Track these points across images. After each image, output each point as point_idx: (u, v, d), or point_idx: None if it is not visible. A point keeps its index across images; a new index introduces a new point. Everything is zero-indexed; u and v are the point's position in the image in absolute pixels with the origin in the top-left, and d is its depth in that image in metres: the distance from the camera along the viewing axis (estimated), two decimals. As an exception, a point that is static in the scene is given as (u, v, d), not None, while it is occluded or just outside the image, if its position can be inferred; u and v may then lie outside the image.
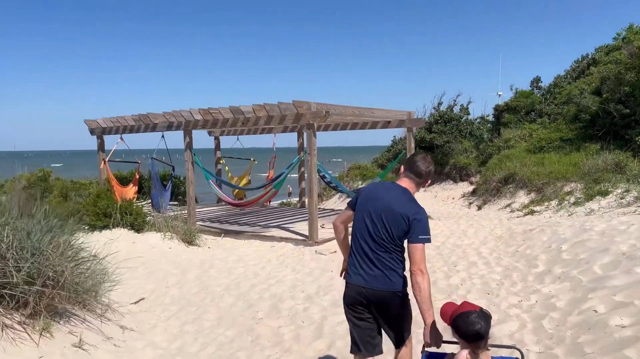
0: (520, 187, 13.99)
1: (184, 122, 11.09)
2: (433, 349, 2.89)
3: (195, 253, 8.95)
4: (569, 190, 12.48)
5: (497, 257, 8.03)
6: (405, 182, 3.07)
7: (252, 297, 6.20)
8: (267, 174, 14.95)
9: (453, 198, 17.17)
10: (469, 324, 2.46)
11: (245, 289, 6.57)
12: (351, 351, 3.19)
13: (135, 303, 5.92)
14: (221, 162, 15.81)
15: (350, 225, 3.23)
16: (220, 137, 16.31)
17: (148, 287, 6.66)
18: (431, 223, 11.80)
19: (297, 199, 16.07)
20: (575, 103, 17.35)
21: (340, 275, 3.44)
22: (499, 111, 22.03)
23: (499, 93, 30.38)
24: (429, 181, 3.16)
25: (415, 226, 2.86)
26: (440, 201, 17.06)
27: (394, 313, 3.05)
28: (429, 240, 2.88)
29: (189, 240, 9.75)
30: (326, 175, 14.44)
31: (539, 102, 20.99)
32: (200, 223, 11.94)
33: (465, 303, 2.61)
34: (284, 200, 24.83)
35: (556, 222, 9.33)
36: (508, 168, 15.16)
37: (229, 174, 15.80)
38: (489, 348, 2.60)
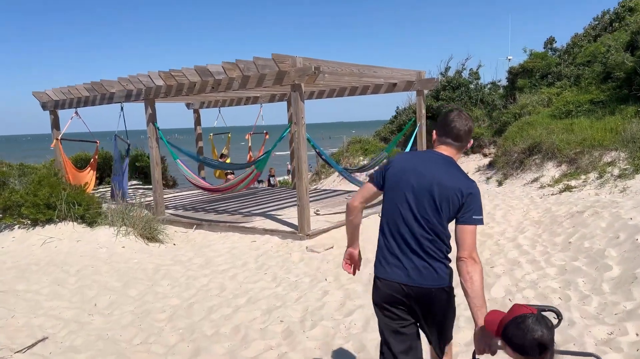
0: (549, 158, 11.97)
1: (144, 89, 9.05)
2: (486, 357, 2.26)
3: (152, 254, 7.02)
4: (610, 160, 10.47)
5: (544, 252, 6.08)
6: (444, 150, 2.55)
7: (204, 332, 4.26)
8: (248, 154, 12.94)
9: (467, 172, 15.14)
10: (526, 331, 1.86)
11: (199, 317, 4.64)
12: None
13: (23, 350, 3.94)
14: (210, 138, 13.77)
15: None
16: (202, 111, 14.27)
17: (65, 315, 4.72)
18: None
19: (292, 178, 14.05)
20: (602, 62, 15.24)
21: (352, 272, 2.84)
22: (513, 74, 19.87)
23: (509, 57, 28.05)
24: (471, 142, 2.63)
25: (469, 203, 2.37)
26: (452, 177, 15.09)
27: (440, 314, 2.52)
28: (482, 222, 2.39)
29: (150, 236, 7.82)
30: (321, 152, 12.47)
31: (556, 63, 18.86)
32: (172, 211, 9.99)
33: (516, 306, 2.00)
34: (286, 177, 22.87)
35: (612, 201, 7.36)
36: (531, 137, 13.11)
37: (215, 153, 13.82)
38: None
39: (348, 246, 2.78)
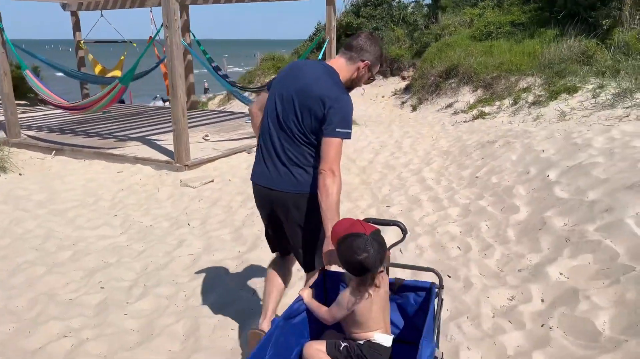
0: (465, 82, 11.31)
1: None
2: (334, 268, 2.23)
3: (-16, 188, 5.61)
4: (526, 85, 9.94)
5: (449, 187, 5.38)
6: (335, 61, 2.43)
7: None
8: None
9: (383, 96, 14.35)
10: (353, 251, 1.89)
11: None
12: (272, 251, 2.71)
13: None
14: (82, 47, 11.79)
15: None
16: (81, 13, 12.14)
17: None
18: (356, 131, 8.92)
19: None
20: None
21: None
22: (436, -9, 18.81)
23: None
24: (377, 67, 2.44)
25: (333, 114, 2.23)
26: (368, 100, 14.20)
27: (298, 220, 2.39)
28: (348, 135, 2.28)
29: (-9, 164, 6.35)
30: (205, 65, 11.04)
31: (481, -18, 18.00)
32: (33, 133, 8.39)
33: (357, 223, 1.98)
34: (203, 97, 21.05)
35: (524, 131, 6.76)
36: (449, 59, 12.36)
37: (98, 66, 11.88)
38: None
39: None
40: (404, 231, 2.20)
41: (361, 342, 2.00)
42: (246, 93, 10.13)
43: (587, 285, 2.93)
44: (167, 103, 19.08)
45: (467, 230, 4.21)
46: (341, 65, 2.38)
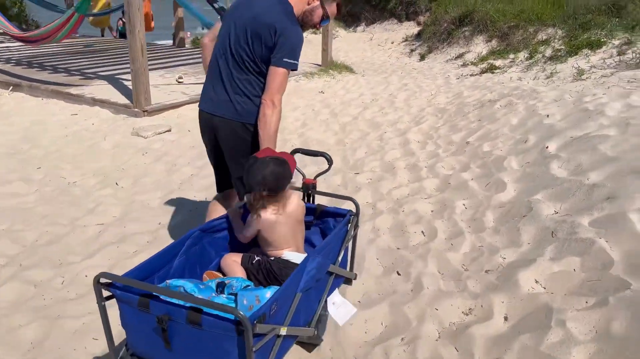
0: (479, 31, 10.26)
1: None
2: None
3: None
4: (545, 38, 8.91)
5: (433, 154, 4.67)
6: None
7: None
8: None
9: (392, 42, 13.30)
10: (252, 170, 2.02)
11: None
12: (218, 190, 2.73)
13: None
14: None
15: None
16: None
17: None
18: (351, 80, 8.11)
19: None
20: None
21: None
22: None
23: None
24: (320, 1, 2.39)
25: (281, 43, 2.22)
26: (375, 46, 13.19)
27: (231, 146, 2.42)
28: (294, 66, 2.27)
29: None
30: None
31: None
32: (-2, 66, 7.74)
33: (279, 152, 2.12)
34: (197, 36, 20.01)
35: (532, 90, 5.91)
36: (465, 3, 11.25)
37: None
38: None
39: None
40: (329, 161, 2.38)
41: (272, 258, 2.11)
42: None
43: (565, 302, 2.27)
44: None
45: (439, 210, 3.53)
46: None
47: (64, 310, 2.40)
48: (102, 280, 1.58)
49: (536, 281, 2.51)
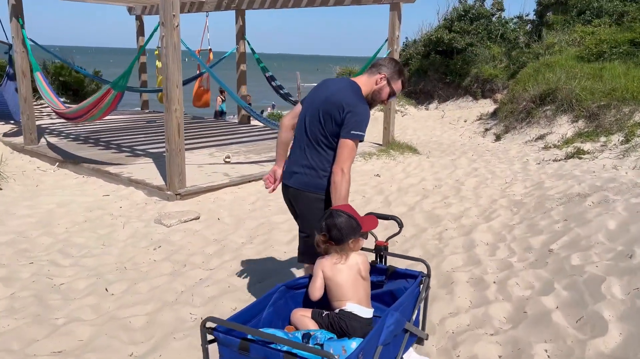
0: (563, 111, 9.24)
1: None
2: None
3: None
4: (644, 119, 7.75)
5: (504, 263, 3.69)
6: (358, 78, 2.71)
7: None
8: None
9: (465, 121, 12.49)
10: (325, 219, 2.24)
11: None
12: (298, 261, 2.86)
13: None
14: (156, 53, 11.21)
15: None
16: (145, 17, 11.71)
17: None
18: (413, 162, 7.27)
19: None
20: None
21: (271, 190, 2.89)
22: (543, 5, 16.60)
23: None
24: (385, 74, 2.64)
25: (349, 118, 2.48)
26: (446, 125, 12.42)
27: (304, 211, 2.65)
28: (361, 137, 2.51)
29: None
30: (276, 80, 9.95)
31: (599, -4, 15.43)
32: (54, 140, 7.74)
33: (354, 210, 2.30)
34: (271, 110, 20.27)
35: (633, 184, 4.82)
36: (547, 81, 10.30)
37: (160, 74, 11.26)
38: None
39: (276, 164, 2.88)
40: (399, 224, 2.52)
41: (337, 311, 2.16)
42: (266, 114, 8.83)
43: None
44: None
45: (509, 357, 2.55)
46: (363, 80, 2.66)
47: None
48: (208, 324, 1.72)
49: None
